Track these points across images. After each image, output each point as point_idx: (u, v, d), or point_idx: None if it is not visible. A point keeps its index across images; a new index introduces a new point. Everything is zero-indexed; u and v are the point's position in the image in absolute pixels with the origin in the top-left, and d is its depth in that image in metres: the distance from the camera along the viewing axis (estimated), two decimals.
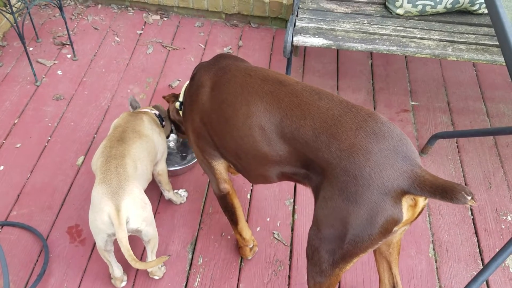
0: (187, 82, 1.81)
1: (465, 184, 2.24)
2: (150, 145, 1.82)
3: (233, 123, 1.47)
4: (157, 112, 2.03)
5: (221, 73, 1.58)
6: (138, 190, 1.63)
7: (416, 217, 1.26)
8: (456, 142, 2.43)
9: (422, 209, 1.26)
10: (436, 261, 1.96)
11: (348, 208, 1.20)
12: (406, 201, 1.19)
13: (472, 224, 2.09)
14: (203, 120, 1.61)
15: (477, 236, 2.05)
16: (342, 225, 1.23)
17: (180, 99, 1.87)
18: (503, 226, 2.08)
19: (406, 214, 1.20)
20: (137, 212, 1.59)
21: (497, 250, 1.96)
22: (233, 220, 1.80)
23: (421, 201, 1.22)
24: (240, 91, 1.47)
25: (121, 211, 1.54)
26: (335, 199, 1.22)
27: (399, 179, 1.17)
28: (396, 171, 1.17)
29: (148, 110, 2.01)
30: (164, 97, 2.07)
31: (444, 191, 1.11)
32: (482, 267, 1.80)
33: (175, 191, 2.13)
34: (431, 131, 2.48)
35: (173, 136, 2.34)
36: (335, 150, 1.24)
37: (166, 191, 2.05)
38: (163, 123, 2.03)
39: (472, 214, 2.13)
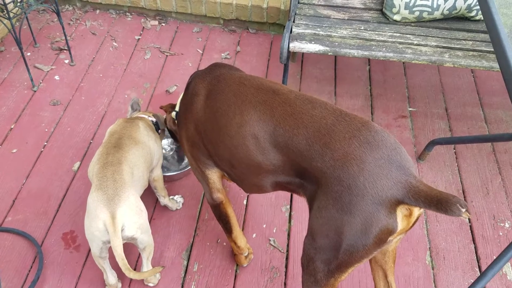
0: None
1: (463, 191, 2.23)
2: (146, 152, 1.82)
3: (226, 132, 1.46)
4: (154, 119, 2.02)
5: (215, 82, 1.58)
6: (134, 197, 1.62)
7: (411, 226, 1.25)
8: (454, 149, 2.42)
9: (417, 219, 1.25)
10: (433, 269, 1.95)
11: (343, 218, 1.19)
12: (400, 211, 1.19)
13: (470, 231, 2.08)
14: (197, 128, 1.61)
15: (474, 243, 2.04)
16: (337, 235, 1.22)
17: (177, 108, 1.87)
18: (501, 233, 2.07)
19: (400, 224, 1.20)
20: (132, 220, 1.58)
21: (495, 257, 1.94)
22: (227, 229, 1.79)
23: (416, 211, 1.21)
24: (234, 100, 1.47)
25: (117, 218, 1.53)
26: (329, 209, 1.22)
27: (393, 189, 1.16)
28: (390, 181, 1.17)
29: (146, 116, 2.00)
30: (161, 107, 2.06)
31: (439, 203, 1.10)
32: (479, 275, 1.78)
33: (171, 197, 2.12)
34: (429, 137, 2.47)
35: (168, 141, 2.34)
36: (328, 159, 1.23)
37: (161, 197, 2.04)
38: (159, 130, 2.02)
39: (469, 221, 2.12)
